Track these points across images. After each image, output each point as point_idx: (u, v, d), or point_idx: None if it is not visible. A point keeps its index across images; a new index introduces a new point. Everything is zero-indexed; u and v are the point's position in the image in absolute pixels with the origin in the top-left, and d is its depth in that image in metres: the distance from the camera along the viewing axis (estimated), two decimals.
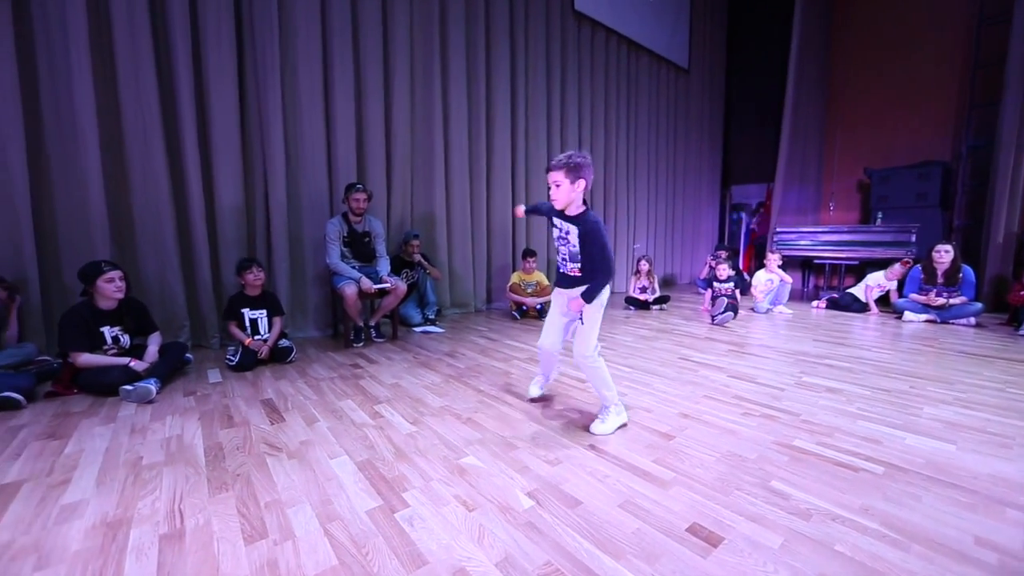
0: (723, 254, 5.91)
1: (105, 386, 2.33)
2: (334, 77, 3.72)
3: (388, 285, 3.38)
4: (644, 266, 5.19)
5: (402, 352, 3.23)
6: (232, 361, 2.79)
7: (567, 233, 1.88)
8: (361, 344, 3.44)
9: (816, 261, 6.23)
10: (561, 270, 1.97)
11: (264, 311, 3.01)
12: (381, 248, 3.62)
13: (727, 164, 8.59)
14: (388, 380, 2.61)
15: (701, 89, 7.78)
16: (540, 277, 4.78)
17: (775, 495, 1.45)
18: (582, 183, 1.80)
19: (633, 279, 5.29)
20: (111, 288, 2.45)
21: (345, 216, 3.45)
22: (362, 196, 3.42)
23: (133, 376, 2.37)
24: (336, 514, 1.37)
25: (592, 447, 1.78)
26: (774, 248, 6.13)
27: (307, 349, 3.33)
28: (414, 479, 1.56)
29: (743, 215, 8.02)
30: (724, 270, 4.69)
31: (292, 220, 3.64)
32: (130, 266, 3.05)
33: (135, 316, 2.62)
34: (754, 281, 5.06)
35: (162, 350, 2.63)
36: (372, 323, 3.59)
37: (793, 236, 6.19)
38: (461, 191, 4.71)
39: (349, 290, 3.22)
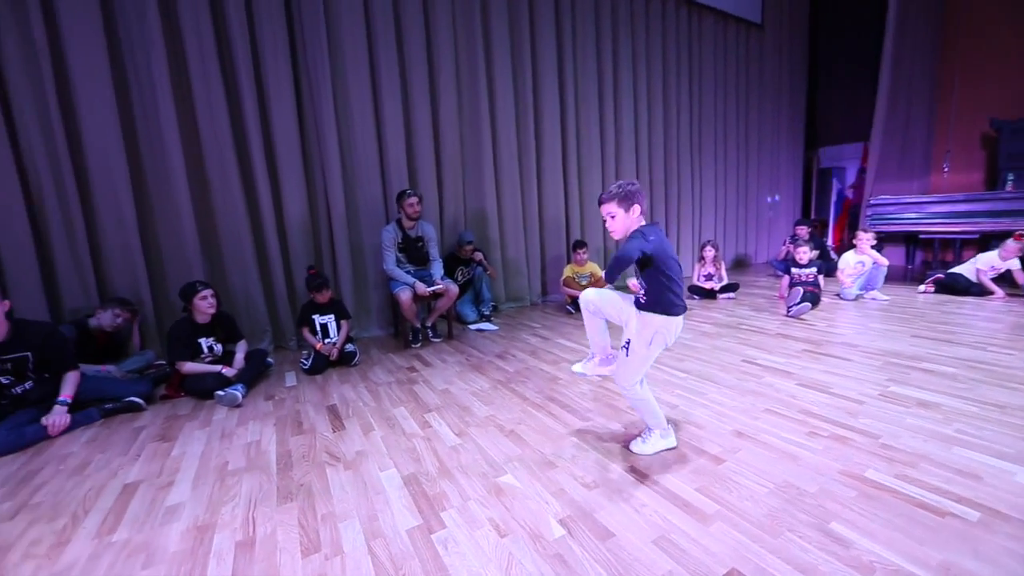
0: (803, 232, 5.35)
1: (203, 391, 2.69)
2: (381, 83, 3.84)
3: (440, 288, 3.50)
4: (709, 252, 4.83)
5: (455, 354, 3.35)
6: (305, 365, 3.09)
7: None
8: (419, 345, 3.62)
9: (923, 236, 5.39)
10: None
11: (332, 316, 3.28)
12: (434, 251, 3.74)
13: (813, 125, 7.63)
14: (440, 385, 2.73)
15: (778, 44, 6.92)
16: (594, 268, 4.66)
17: (834, 541, 1.32)
18: (637, 209, 1.68)
19: (697, 266, 4.96)
20: (205, 304, 2.80)
21: (399, 222, 3.60)
22: (415, 200, 3.53)
23: (224, 381, 2.72)
24: (380, 531, 1.48)
25: (633, 469, 1.74)
26: (868, 225, 5.38)
27: (370, 350, 3.57)
28: (453, 497, 1.63)
29: (834, 180, 7.12)
30: (804, 253, 4.23)
31: (352, 229, 3.88)
32: (219, 281, 3.46)
33: (225, 327, 2.98)
34: (841, 263, 4.50)
35: (247, 356, 2.97)
36: (429, 323, 3.76)
37: (893, 208, 5.37)
38: (511, 185, 4.68)
39: (404, 295, 3.39)
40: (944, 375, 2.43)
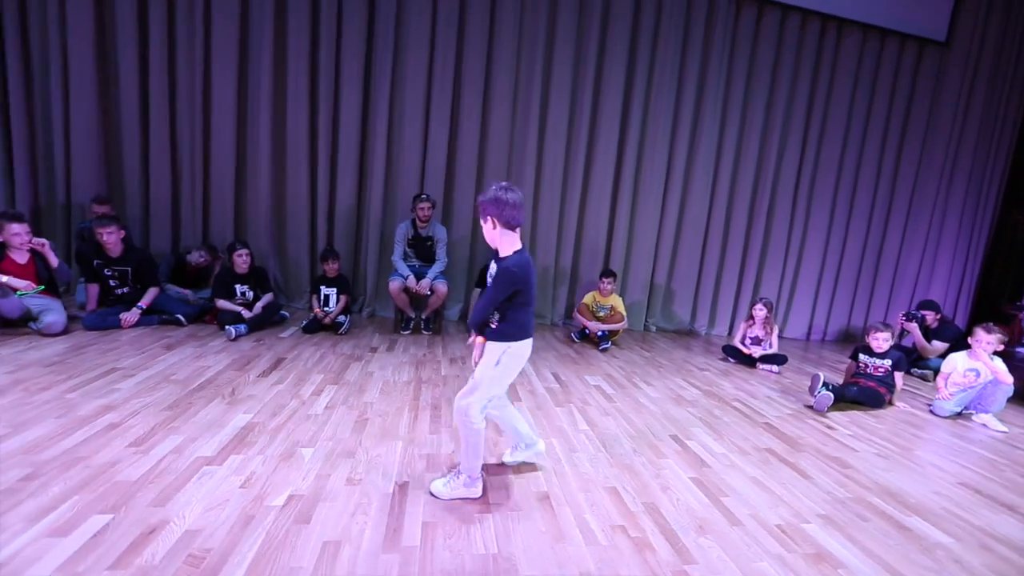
0: (932, 319, 4.11)
1: (224, 322, 3.50)
2: (433, 95, 4.29)
3: (424, 289, 3.79)
4: (760, 312, 4.04)
5: (422, 348, 3.59)
6: (303, 324, 3.72)
7: (490, 275, 1.69)
8: (408, 332, 3.97)
9: None
10: None
11: (335, 289, 3.86)
12: (441, 252, 4.04)
13: (1018, 173, 5.58)
14: (372, 369, 3.02)
15: (969, 68, 5.25)
16: (617, 302, 4.36)
17: None
18: (490, 222, 1.59)
19: (744, 325, 4.20)
20: (240, 261, 3.63)
21: (413, 221, 4.00)
22: (426, 206, 3.89)
23: (237, 319, 3.48)
24: (189, 452, 1.85)
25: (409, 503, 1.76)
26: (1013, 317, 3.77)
27: (368, 326, 4.06)
28: (257, 447, 1.90)
29: None
30: (883, 340, 3.28)
31: (386, 223, 4.43)
32: (278, 247, 4.36)
33: (258, 280, 3.79)
34: (945, 366, 3.31)
35: (265, 307, 3.72)
36: (423, 316, 4.08)
37: None
38: (550, 203, 4.68)
39: (394, 284, 3.77)
40: None
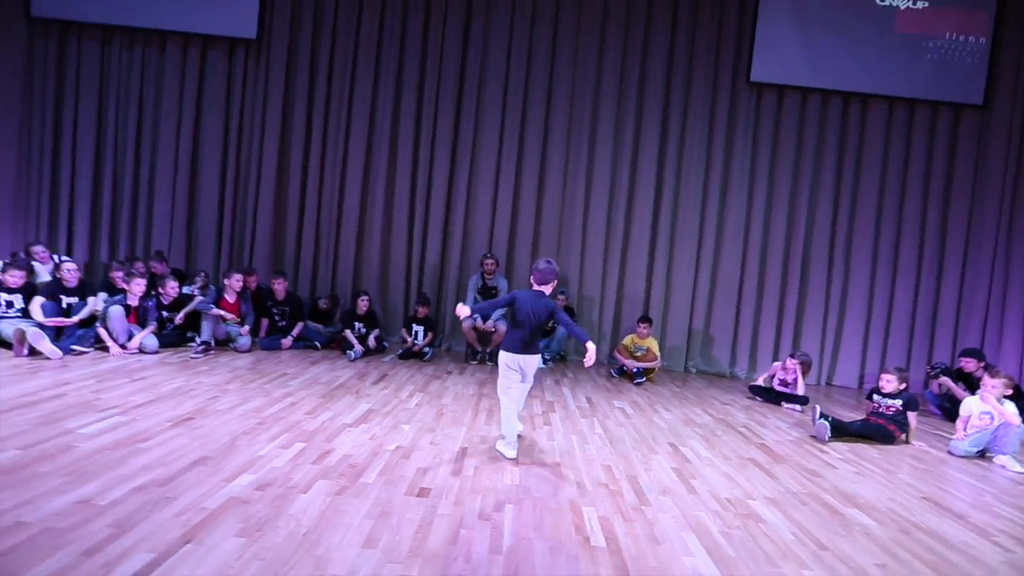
0: (970, 366, 4.29)
1: (346, 347, 4.80)
2: (502, 170, 5.56)
3: (491, 328, 4.86)
4: (792, 364, 4.46)
5: (484, 374, 4.58)
6: (399, 352, 4.93)
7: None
8: (475, 362, 5.02)
9: None
10: None
11: (423, 327, 5.06)
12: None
13: None
14: (438, 389, 4.05)
15: (1013, 126, 5.41)
16: (652, 344, 5.05)
17: None
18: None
19: (775, 366, 4.62)
20: (361, 304, 5.00)
21: (481, 275, 5.15)
22: (491, 262, 5.05)
23: (352, 347, 4.78)
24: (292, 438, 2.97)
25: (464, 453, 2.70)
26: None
27: (447, 358, 5.17)
28: (311, 455, 2.97)
29: None
30: (885, 381, 3.65)
31: (462, 274, 5.65)
32: (385, 294, 5.75)
33: (372, 319, 5.12)
34: (962, 409, 3.55)
35: (377, 338, 5.00)
36: (488, 350, 5.11)
37: None
38: (594, 260, 5.63)
39: (466, 324, 4.89)
40: None
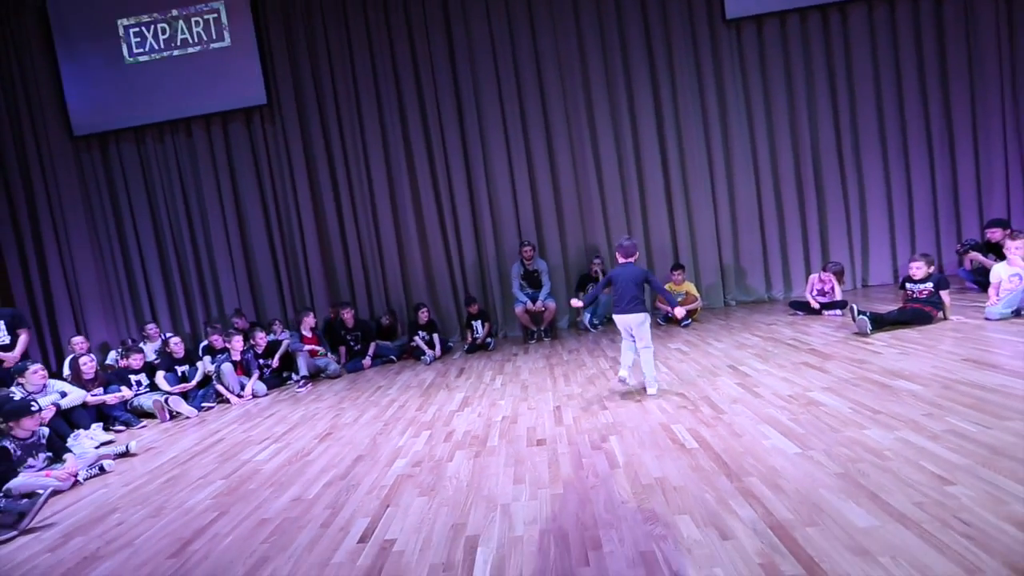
0: (997, 235, 4.48)
1: (418, 355, 5.36)
2: (514, 161, 5.96)
3: (540, 308, 5.33)
4: (826, 275, 4.78)
5: (546, 348, 5.07)
6: (465, 348, 5.47)
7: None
8: (534, 341, 5.50)
9: None
10: None
11: (480, 320, 5.57)
12: (545, 280, 5.57)
13: None
14: (511, 367, 4.56)
15: (997, 3, 5.43)
16: (689, 287, 5.42)
17: None
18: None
19: (812, 278, 4.93)
20: (422, 315, 5.53)
21: (521, 261, 5.61)
22: (529, 248, 5.49)
23: (424, 353, 5.33)
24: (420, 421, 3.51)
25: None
26: None
27: (507, 343, 5.68)
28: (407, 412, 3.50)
29: None
30: (918, 268, 3.95)
31: (501, 264, 6.11)
32: (435, 300, 6.27)
33: (433, 326, 5.66)
34: (992, 277, 3.81)
35: (441, 341, 5.54)
36: (542, 328, 5.58)
37: None
38: (617, 223, 5.99)
39: (518, 309, 5.38)
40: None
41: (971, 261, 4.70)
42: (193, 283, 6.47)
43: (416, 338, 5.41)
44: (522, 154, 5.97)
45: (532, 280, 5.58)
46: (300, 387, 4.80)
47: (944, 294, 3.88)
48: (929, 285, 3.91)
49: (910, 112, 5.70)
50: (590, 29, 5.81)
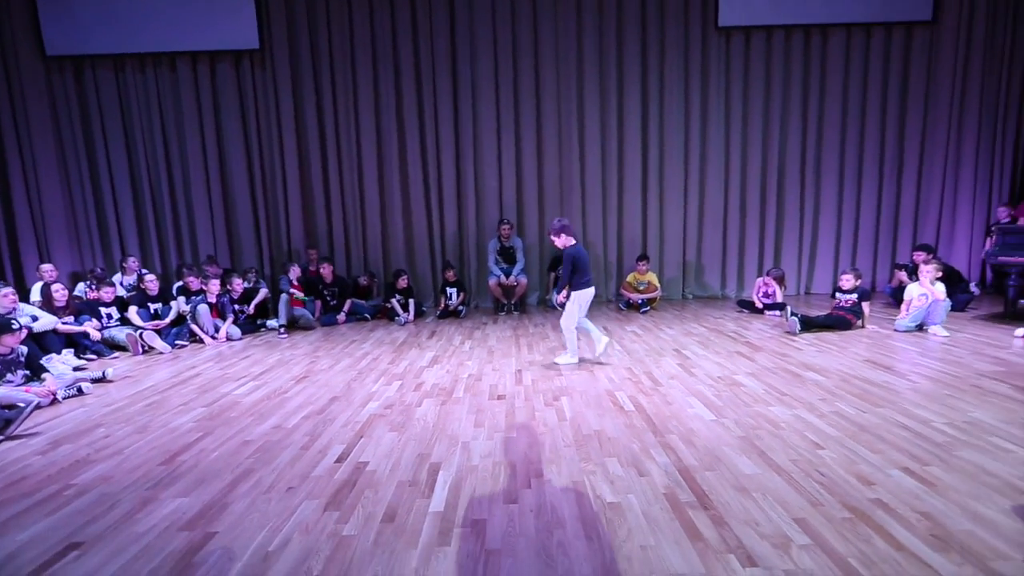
0: (921, 258, 5.05)
1: (392, 317, 5.60)
2: (503, 142, 6.14)
3: (513, 282, 5.63)
4: (769, 279, 5.28)
5: (514, 320, 5.41)
6: (438, 313, 5.74)
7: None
8: (504, 313, 5.83)
9: None
10: None
11: (455, 289, 5.83)
12: (520, 256, 5.86)
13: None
14: (479, 335, 4.88)
15: (960, 35, 5.92)
16: (652, 278, 5.84)
17: None
18: (563, 236, 3.54)
19: (759, 282, 5.44)
20: (400, 281, 5.73)
21: (499, 237, 5.87)
22: (507, 227, 5.75)
23: (398, 315, 5.58)
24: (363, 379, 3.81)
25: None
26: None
27: (478, 313, 5.98)
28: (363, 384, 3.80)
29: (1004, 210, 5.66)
30: (844, 280, 4.47)
31: (480, 238, 6.35)
32: (413, 265, 6.47)
33: (409, 292, 5.88)
34: (906, 294, 4.38)
35: (416, 305, 5.79)
36: (512, 302, 5.91)
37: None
38: (595, 211, 6.31)
39: (492, 281, 5.67)
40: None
41: (899, 280, 5.29)
42: (167, 224, 6.40)
43: (393, 300, 5.63)
44: (511, 133, 6.14)
45: (507, 256, 5.87)
46: (281, 334, 4.98)
47: (865, 305, 4.43)
48: (854, 296, 4.44)
49: (869, 137, 6.20)
50: (589, 23, 5.96)
